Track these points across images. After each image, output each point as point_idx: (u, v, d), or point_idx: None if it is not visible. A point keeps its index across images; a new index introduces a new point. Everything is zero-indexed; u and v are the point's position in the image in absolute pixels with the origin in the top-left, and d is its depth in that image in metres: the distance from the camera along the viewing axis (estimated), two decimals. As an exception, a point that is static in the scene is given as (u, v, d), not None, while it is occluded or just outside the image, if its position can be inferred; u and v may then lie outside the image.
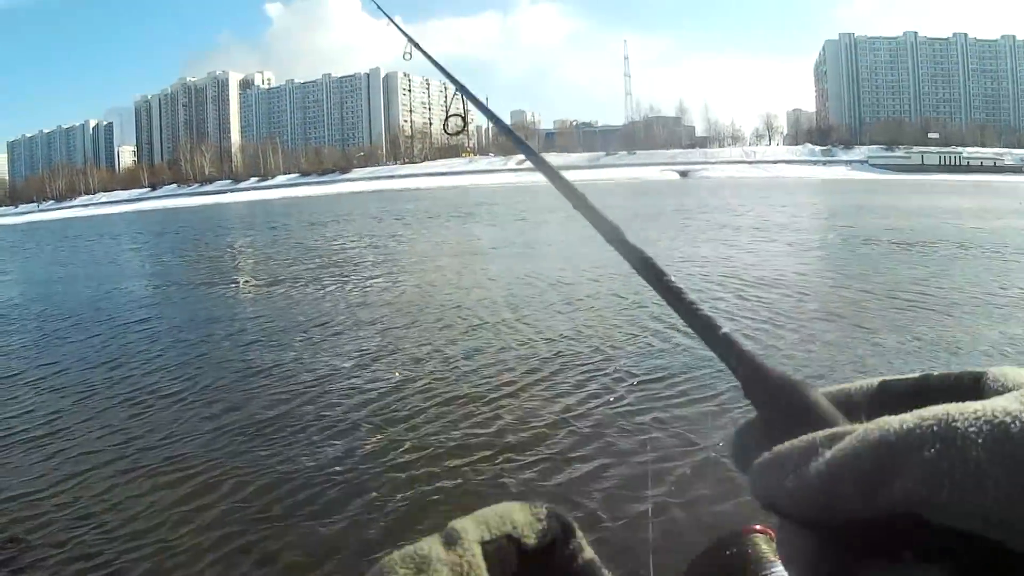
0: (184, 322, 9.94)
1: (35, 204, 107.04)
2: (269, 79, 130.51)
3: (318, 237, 22.80)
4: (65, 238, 35.19)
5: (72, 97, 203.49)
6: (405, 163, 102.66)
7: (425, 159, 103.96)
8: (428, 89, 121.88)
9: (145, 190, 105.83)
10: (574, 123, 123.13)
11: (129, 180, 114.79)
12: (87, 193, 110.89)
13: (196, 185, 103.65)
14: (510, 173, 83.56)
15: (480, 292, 10.74)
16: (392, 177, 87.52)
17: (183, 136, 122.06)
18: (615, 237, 0.45)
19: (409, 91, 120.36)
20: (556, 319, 8.55)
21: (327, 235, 23.40)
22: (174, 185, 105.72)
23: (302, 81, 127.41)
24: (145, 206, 77.94)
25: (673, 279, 0.38)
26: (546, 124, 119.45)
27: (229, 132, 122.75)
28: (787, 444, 0.29)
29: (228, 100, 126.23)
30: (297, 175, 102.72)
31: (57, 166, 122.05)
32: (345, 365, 7.03)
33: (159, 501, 4.31)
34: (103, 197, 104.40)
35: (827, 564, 0.28)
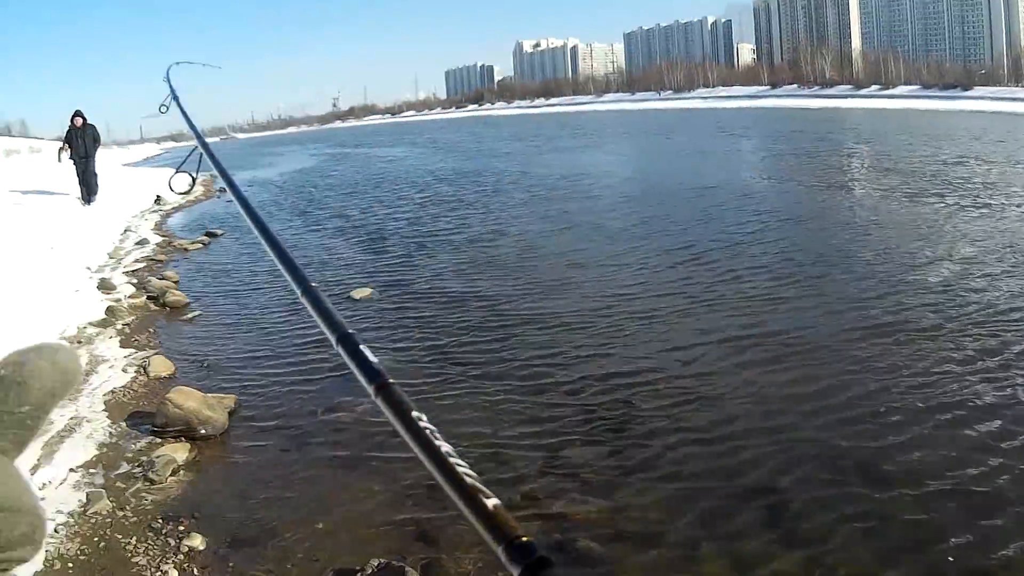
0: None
1: (654, 93, 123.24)
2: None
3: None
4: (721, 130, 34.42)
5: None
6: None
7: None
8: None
9: (764, 88, 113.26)
10: None
11: (748, 77, 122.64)
12: (705, 86, 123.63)
13: (816, 88, 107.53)
14: None
15: None
16: (1016, 100, 77.75)
17: (803, 37, 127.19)
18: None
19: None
20: None
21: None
22: (794, 86, 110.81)
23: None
24: (764, 103, 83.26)
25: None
26: None
27: (850, 38, 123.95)
28: None
29: (848, 5, 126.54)
30: (919, 86, 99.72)
31: (676, 59, 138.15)
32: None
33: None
34: (722, 91, 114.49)
35: None
